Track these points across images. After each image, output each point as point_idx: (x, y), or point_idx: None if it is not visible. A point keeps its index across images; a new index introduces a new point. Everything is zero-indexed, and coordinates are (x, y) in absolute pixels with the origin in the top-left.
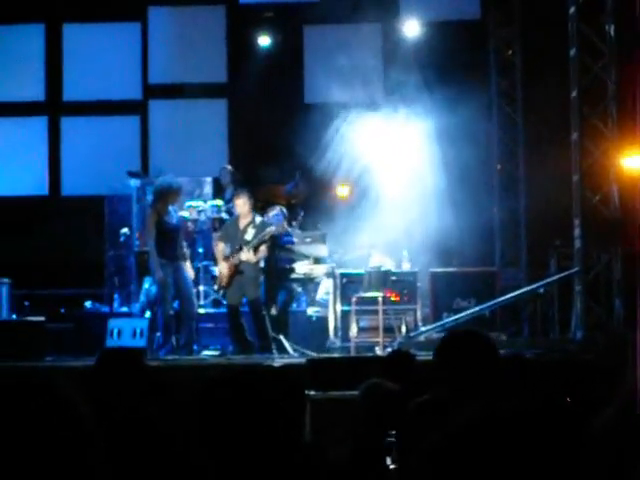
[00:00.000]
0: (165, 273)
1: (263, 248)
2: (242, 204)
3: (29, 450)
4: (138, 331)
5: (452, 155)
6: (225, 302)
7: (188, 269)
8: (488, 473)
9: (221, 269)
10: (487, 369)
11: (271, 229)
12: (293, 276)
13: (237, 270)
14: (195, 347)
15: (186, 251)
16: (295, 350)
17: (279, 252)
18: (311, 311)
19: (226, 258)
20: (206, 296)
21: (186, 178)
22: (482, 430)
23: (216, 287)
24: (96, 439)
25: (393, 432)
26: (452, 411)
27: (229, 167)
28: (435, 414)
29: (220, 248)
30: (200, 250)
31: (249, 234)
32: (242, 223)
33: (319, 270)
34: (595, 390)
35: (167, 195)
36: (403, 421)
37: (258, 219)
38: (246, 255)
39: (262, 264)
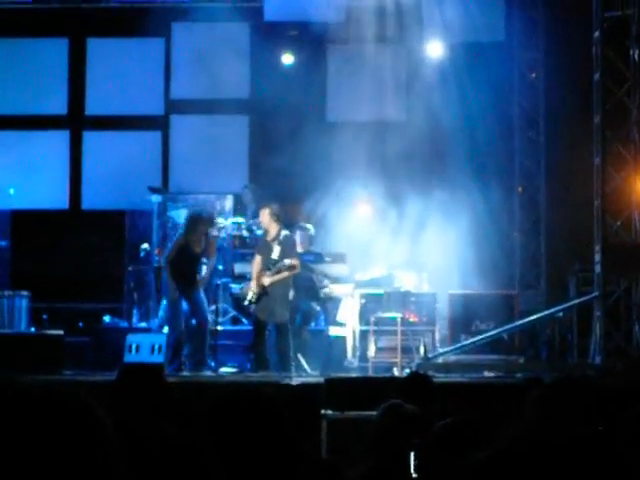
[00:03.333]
0: (179, 293)
1: (285, 274)
2: (264, 219)
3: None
4: (156, 347)
5: (473, 176)
6: (246, 320)
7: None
8: None
9: (252, 286)
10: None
11: (294, 263)
12: (312, 295)
13: (264, 291)
14: (212, 364)
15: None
16: (313, 369)
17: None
18: (330, 330)
19: (256, 276)
20: (225, 313)
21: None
22: (527, 453)
23: (246, 302)
24: (121, 453)
25: (412, 452)
26: (484, 434)
27: (251, 185)
28: (463, 437)
29: (257, 260)
30: (220, 267)
31: (275, 252)
32: (269, 237)
33: (339, 289)
34: (614, 415)
35: (197, 224)
36: (427, 442)
37: (283, 233)
38: (267, 280)
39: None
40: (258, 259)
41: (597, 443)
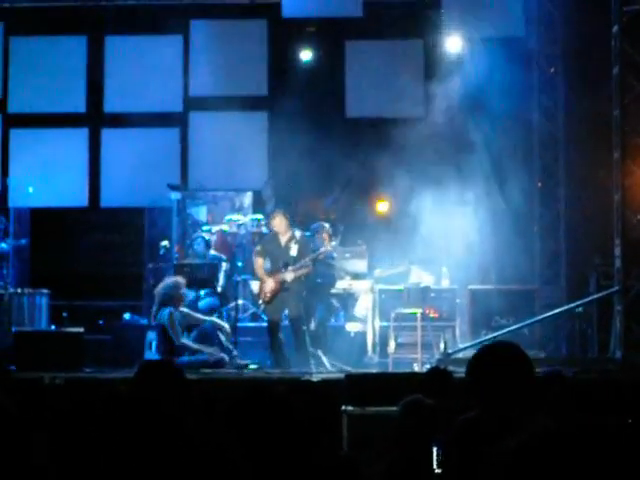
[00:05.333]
0: None
1: (305, 270)
2: (278, 223)
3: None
4: None
5: (492, 171)
6: (265, 317)
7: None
8: None
9: (264, 285)
10: (523, 383)
11: (323, 250)
12: (332, 291)
13: (282, 288)
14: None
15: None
16: (333, 365)
17: (319, 267)
18: (350, 327)
19: (270, 274)
20: (245, 310)
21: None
22: (558, 443)
23: (260, 302)
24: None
25: (434, 447)
26: (505, 428)
27: (272, 181)
28: (483, 431)
29: (260, 263)
30: (239, 264)
31: (293, 250)
32: (283, 240)
33: (358, 285)
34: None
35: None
36: (448, 436)
37: (298, 233)
38: (290, 275)
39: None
40: (260, 262)
41: (624, 434)
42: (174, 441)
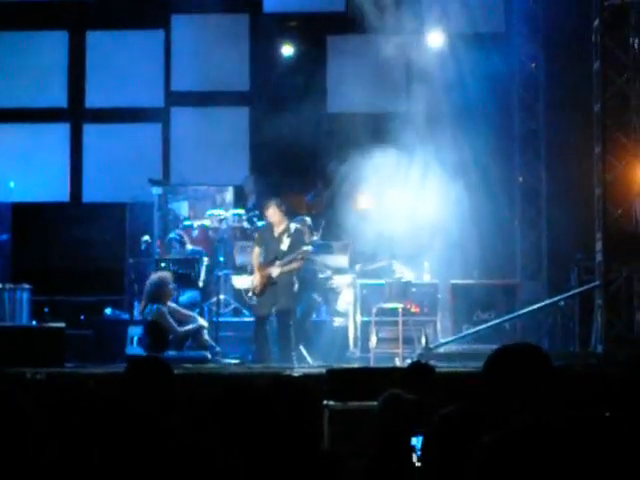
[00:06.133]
0: None
1: (295, 265)
2: (272, 214)
3: None
4: None
5: (473, 167)
6: (251, 311)
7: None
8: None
9: (254, 278)
10: (541, 385)
11: (308, 249)
12: (313, 286)
13: (269, 282)
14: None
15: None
16: (314, 360)
17: None
18: (331, 321)
19: (260, 267)
20: (226, 305)
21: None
22: (534, 437)
23: (250, 294)
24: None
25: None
26: (488, 422)
27: (253, 175)
28: (463, 425)
29: (256, 252)
30: (221, 259)
31: (284, 244)
32: (277, 231)
33: (340, 280)
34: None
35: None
36: (428, 430)
37: (292, 226)
38: (276, 271)
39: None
40: (257, 251)
41: (602, 428)
42: (155, 438)
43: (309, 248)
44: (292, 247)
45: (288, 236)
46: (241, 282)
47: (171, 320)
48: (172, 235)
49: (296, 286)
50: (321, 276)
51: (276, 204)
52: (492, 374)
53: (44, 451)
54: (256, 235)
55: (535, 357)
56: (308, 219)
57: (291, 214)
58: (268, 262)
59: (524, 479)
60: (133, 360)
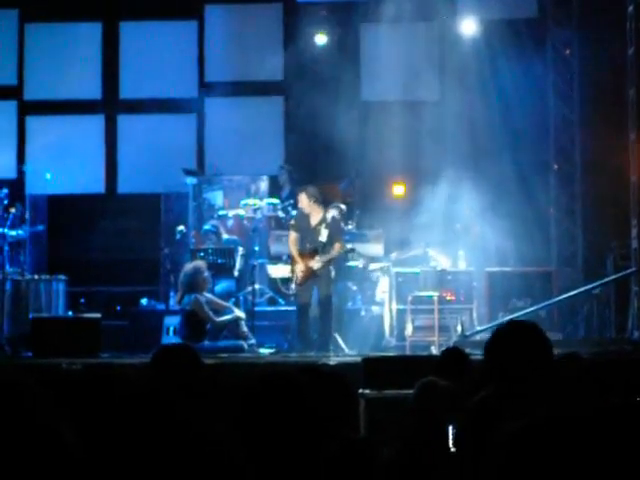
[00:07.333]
0: None
1: (334, 253)
2: (302, 201)
3: None
4: None
5: (509, 155)
6: (289, 301)
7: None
8: (563, 468)
9: (296, 267)
10: (540, 362)
11: (348, 248)
12: (348, 275)
13: (313, 274)
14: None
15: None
16: (350, 349)
17: None
18: (366, 310)
19: (301, 256)
20: (262, 294)
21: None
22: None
23: (293, 285)
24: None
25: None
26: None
27: (287, 166)
28: (498, 411)
29: (293, 238)
30: (256, 248)
31: (323, 235)
32: (313, 220)
33: (375, 269)
34: None
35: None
36: (461, 418)
37: (329, 216)
38: (318, 265)
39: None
40: (294, 236)
41: (635, 414)
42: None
43: (342, 244)
44: (330, 238)
45: (326, 227)
46: (277, 271)
47: (208, 310)
48: (208, 227)
49: (333, 273)
50: (356, 264)
51: (307, 193)
52: (491, 354)
53: (56, 443)
54: (291, 221)
55: (532, 335)
56: (343, 206)
57: (326, 203)
58: (308, 253)
59: (550, 468)
60: (160, 347)
